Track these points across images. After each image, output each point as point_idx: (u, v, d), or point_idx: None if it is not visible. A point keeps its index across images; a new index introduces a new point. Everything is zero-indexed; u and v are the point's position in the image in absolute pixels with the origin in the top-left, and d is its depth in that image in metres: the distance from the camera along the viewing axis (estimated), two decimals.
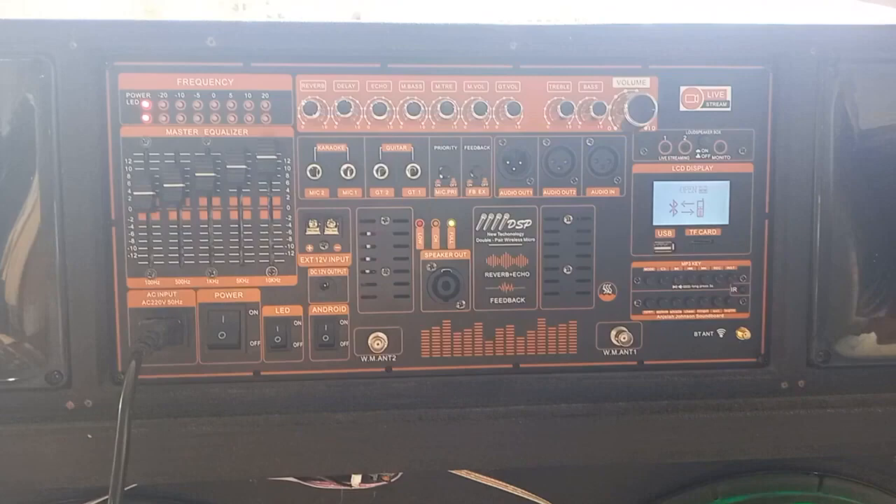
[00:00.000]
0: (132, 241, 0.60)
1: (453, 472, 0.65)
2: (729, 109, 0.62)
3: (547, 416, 0.63)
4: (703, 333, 0.64)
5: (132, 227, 0.60)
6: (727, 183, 0.63)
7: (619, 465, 0.66)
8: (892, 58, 0.61)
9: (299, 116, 0.60)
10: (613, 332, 0.63)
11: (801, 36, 0.62)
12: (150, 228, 0.60)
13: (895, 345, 0.64)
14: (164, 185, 0.59)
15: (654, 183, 0.62)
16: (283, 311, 0.62)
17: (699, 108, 0.62)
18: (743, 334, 0.64)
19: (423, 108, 0.60)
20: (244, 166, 0.60)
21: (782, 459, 0.66)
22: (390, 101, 0.60)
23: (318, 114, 0.60)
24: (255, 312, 0.61)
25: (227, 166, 0.59)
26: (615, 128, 0.62)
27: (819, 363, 0.63)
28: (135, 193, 0.59)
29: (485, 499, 0.67)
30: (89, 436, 0.57)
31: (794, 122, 0.62)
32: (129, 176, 0.60)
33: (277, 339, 0.62)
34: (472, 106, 0.60)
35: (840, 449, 0.63)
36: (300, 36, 0.60)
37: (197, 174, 0.59)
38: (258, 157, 0.60)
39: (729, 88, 0.62)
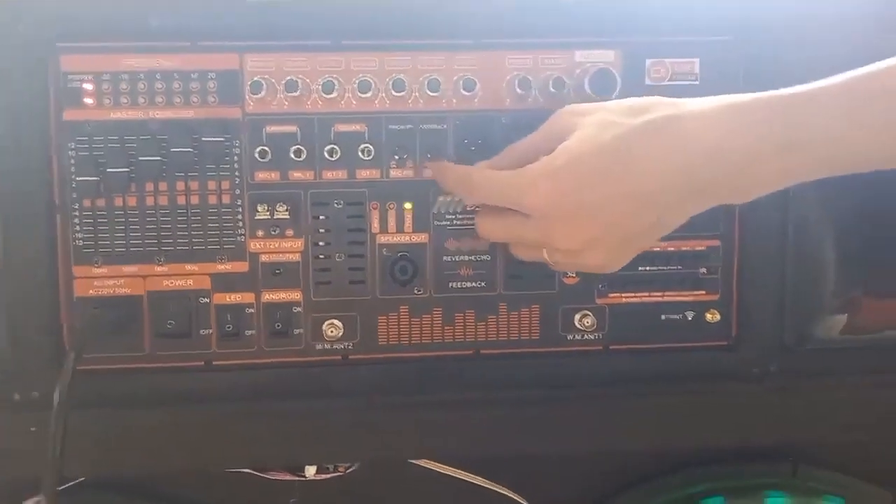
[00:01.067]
0: (77, 227, 0.58)
1: (413, 461, 0.64)
2: (697, 82, 0.60)
3: (509, 403, 0.61)
4: (671, 316, 0.62)
5: (77, 213, 0.58)
6: None
7: (584, 453, 0.64)
8: (859, 25, 0.59)
9: (247, 97, 0.58)
10: (577, 317, 0.61)
11: (766, 3, 0.59)
12: (95, 215, 0.58)
13: (870, 327, 0.61)
14: (108, 170, 0.57)
15: None
16: (234, 298, 0.60)
17: (666, 82, 0.60)
18: (713, 317, 0.62)
19: (374, 85, 0.58)
20: (190, 149, 0.58)
21: (755, 446, 0.64)
22: (342, 80, 0.58)
23: (266, 93, 0.57)
24: (205, 300, 0.60)
25: (172, 149, 0.57)
26: (578, 101, 0.59)
27: (792, 347, 0.61)
28: (78, 179, 0.57)
29: (445, 488, 0.65)
30: (32, 428, 0.56)
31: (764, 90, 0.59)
32: (72, 161, 0.58)
33: (229, 328, 0.60)
34: (426, 83, 0.58)
35: (813, 435, 0.62)
36: (247, 13, 0.57)
37: (142, 158, 0.57)
38: (204, 139, 0.58)
39: (697, 61, 0.60)
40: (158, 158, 0.57)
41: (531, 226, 0.51)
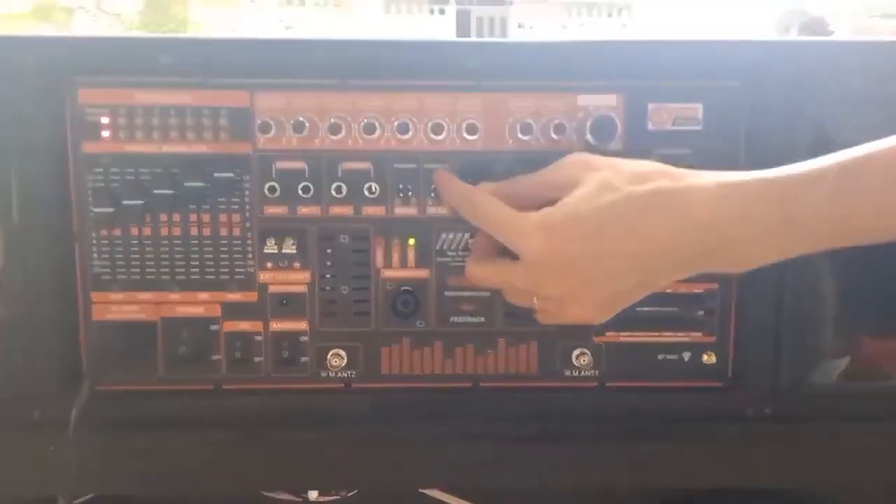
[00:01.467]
0: (95, 255, 0.61)
1: (411, 489, 0.66)
2: (700, 128, 0.60)
3: (506, 436, 0.63)
4: (668, 356, 0.63)
5: (94, 242, 0.61)
6: None
7: (578, 488, 0.66)
8: (871, 75, 0.58)
9: (257, 134, 0.60)
10: (575, 354, 0.63)
11: (776, 50, 0.59)
12: (112, 244, 0.61)
13: (867, 373, 0.62)
14: (123, 202, 0.60)
15: None
16: (243, 326, 0.62)
17: (668, 127, 0.60)
18: (709, 358, 0.62)
19: (379, 127, 0.59)
20: (202, 183, 0.60)
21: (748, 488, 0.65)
22: (349, 119, 0.59)
23: (275, 132, 0.59)
24: (216, 327, 0.62)
25: (185, 183, 0.60)
26: (579, 147, 0.60)
27: (787, 391, 0.61)
28: (95, 210, 0.60)
29: None
30: (51, 447, 0.59)
31: (768, 140, 0.59)
32: (90, 192, 0.60)
33: (238, 354, 0.62)
34: (430, 126, 0.59)
35: (805, 481, 0.62)
36: (256, 52, 0.59)
37: (155, 191, 0.60)
38: (216, 174, 0.60)
39: (700, 106, 0.60)
40: (172, 192, 0.60)
41: (522, 271, 0.53)
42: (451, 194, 0.59)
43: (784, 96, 0.59)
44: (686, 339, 0.63)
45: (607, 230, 0.50)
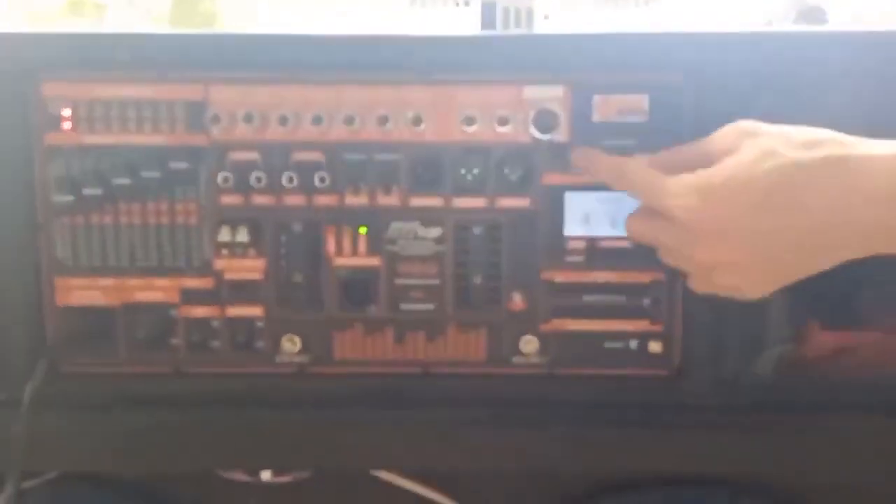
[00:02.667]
0: (58, 242, 0.63)
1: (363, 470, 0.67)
2: (646, 119, 0.61)
3: (455, 421, 0.64)
4: (614, 345, 0.64)
5: (57, 229, 0.63)
6: None
7: (526, 472, 0.67)
8: (817, 66, 0.58)
9: (211, 126, 0.61)
10: (522, 342, 0.64)
11: (721, 43, 0.59)
12: (73, 231, 0.63)
13: (812, 363, 0.62)
14: (84, 191, 0.62)
15: (566, 193, 0.62)
16: (201, 311, 0.64)
17: (613, 119, 0.61)
18: (655, 347, 0.63)
19: (327, 118, 0.61)
20: (159, 174, 0.62)
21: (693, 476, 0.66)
22: (299, 112, 0.61)
23: (228, 123, 0.61)
24: (174, 312, 0.64)
25: (143, 174, 0.62)
26: (525, 138, 0.61)
27: (731, 380, 0.62)
28: (57, 198, 0.62)
29: (394, 497, 0.69)
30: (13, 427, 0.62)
31: (713, 132, 0.60)
32: (52, 181, 0.62)
33: (196, 339, 0.64)
34: (375, 118, 0.60)
35: (750, 469, 0.63)
36: (210, 46, 0.61)
37: (114, 181, 0.62)
38: (172, 164, 0.62)
39: (646, 97, 0.61)
40: (130, 182, 0.62)
41: (674, 233, 0.51)
42: (599, 166, 0.57)
43: (729, 89, 0.59)
44: (633, 328, 0.63)
45: (768, 200, 0.46)
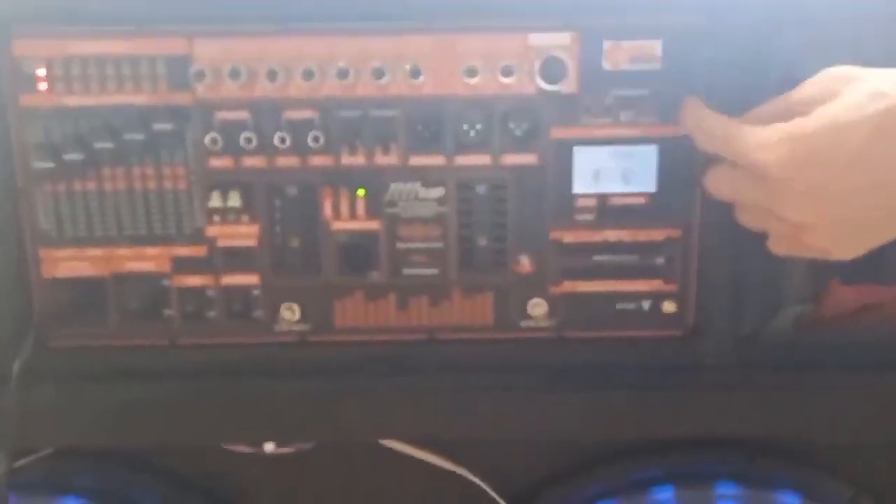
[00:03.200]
0: (40, 211, 0.60)
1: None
2: (659, 67, 0.57)
3: (462, 387, 0.62)
4: (627, 306, 0.61)
5: (39, 197, 0.60)
6: (655, 148, 0.58)
7: (537, 438, 0.65)
8: (839, 17, 0.54)
9: (196, 83, 0.58)
10: (530, 305, 0.61)
11: None
12: (56, 199, 0.60)
13: (829, 321, 0.60)
14: (64, 157, 0.58)
15: (575, 148, 0.58)
16: (194, 281, 0.61)
17: (625, 67, 0.57)
18: (669, 306, 0.61)
19: (319, 73, 0.57)
20: (143, 136, 0.58)
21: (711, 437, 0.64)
22: (290, 66, 0.57)
23: (213, 80, 0.57)
24: (166, 282, 0.61)
25: (125, 136, 0.58)
26: (531, 90, 0.57)
27: (748, 339, 0.60)
28: (36, 164, 0.59)
29: (401, 466, 0.67)
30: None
31: (731, 82, 0.56)
32: (31, 146, 0.59)
33: (190, 309, 0.61)
34: (372, 70, 0.56)
35: (767, 429, 0.61)
36: None
37: (95, 145, 0.58)
38: (155, 126, 0.58)
39: (659, 43, 0.57)
40: (112, 145, 0.58)
41: (762, 188, 0.46)
42: (688, 118, 0.52)
43: (749, 35, 0.55)
44: (646, 288, 0.61)
45: (871, 149, 0.41)
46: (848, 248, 0.47)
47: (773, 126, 0.45)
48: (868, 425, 0.61)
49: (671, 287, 0.61)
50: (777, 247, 0.50)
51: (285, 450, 0.66)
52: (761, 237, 0.56)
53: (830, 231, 0.45)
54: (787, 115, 0.46)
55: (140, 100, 0.58)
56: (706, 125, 0.51)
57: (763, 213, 0.48)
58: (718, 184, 0.51)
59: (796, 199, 0.45)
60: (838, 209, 0.44)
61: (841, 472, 0.66)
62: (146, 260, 0.61)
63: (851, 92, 0.43)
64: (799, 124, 0.44)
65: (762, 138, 0.45)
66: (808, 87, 0.47)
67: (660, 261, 0.60)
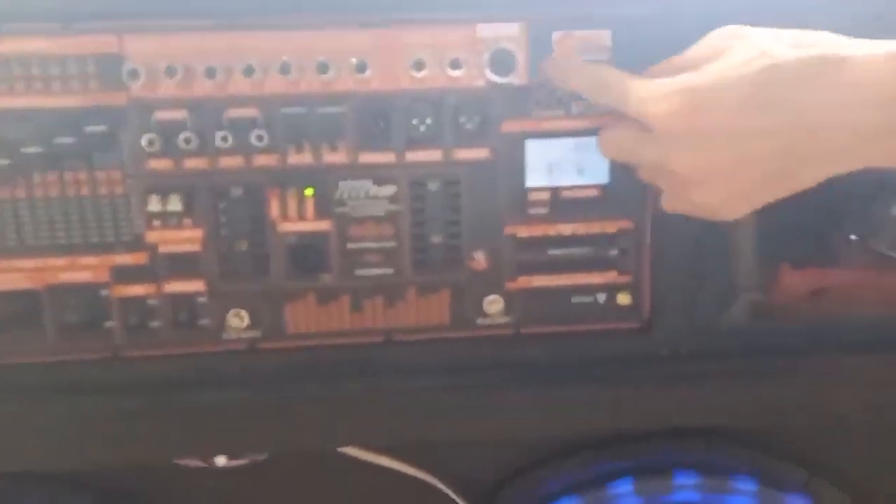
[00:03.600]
0: None
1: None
2: (608, 57, 0.56)
3: (420, 389, 0.61)
4: (582, 299, 0.61)
5: None
6: None
7: (496, 437, 0.64)
8: (784, 11, 0.55)
9: (130, 82, 0.55)
10: (486, 302, 0.60)
11: None
12: None
13: (783, 310, 0.60)
14: None
15: (527, 142, 0.57)
16: (135, 290, 0.58)
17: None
18: (624, 299, 0.61)
19: (259, 69, 0.54)
20: (75, 139, 0.55)
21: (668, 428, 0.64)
22: (229, 62, 0.55)
23: (148, 79, 0.54)
24: (105, 293, 0.58)
25: (56, 140, 0.55)
26: (481, 83, 0.56)
27: (702, 329, 0.60)
28: None
29: (360, 473, 0.66)
30: None
31: None
32: None
33: (133, 320, 0.59)
34: (316, 65, 0.55)
35: (724, 418, 0.61)
36: None
37: (23, 150, 0.55)
38: (87, 128, 0.55)
39: (608, 33, 0.56)
40: (41, 150, 0.55)
41: (651, 143, 0.48)
42: (579, 77, 0.53)
43: (700, 26, 0.55)
44: (600, 281, 0.60)
45: (755, 98, 0.43)
46: (734, 207, 0.49)
47: (662, 80, 0.47)
48: (821, 410, 0.62)
49: (626, 279, 0.60)
50: (668, 203, 0.52)
51: (238, 462, 0.63)
52: (715, 227, 0.56)
53: (716, 187, 0.47)
54: (679, 73, 0.48)
55: (70, 101, 0.55)
56: (601, 75, 0.52)
57: (656, 169, 0.50)
58: (611, 145, 0.53)
59: (682, 151, 0.46)
60: (722, 156, 0.46)
61: (796, 457, 0.67)
62: (83, 270, 0.58)
63: (738, 49, 0.46)
64: (687, 78, 0.46)
65: (652, 91, 0.47)
66: (700, 47, 0.49)
67: (613, 253, 0.60)
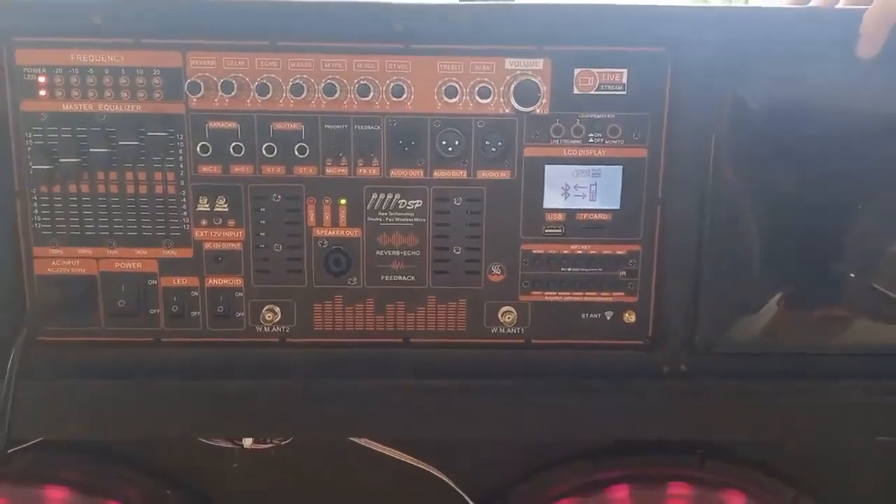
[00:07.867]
0: (35, 212, 0.63)
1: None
2: (624, 93, 0.61)
3: (434, 390, 0.65)
4: (591, 315, 0.65)
5: (35, 198, 0.62)
6: (620, 168, 0.62)
7: (503, 439, 0.68)
8: (792, 42, 0.59)
9: (189, 94, 0.61)
10: (500, 312, 0.65)
11: (700, 17, 0.60)
12: (51, 200, 0.62)
13: (779, 333, 0.64)
14: (61, 160, 0.61)
15: (546, 166, 0.62)
16: (180, 281, 0.64)
17: (593, 92, 0.61)
18: (630, 317, 0.65)
19: (306, 88, 0.60)
20: (137, 142, 0.61)
21: (666, 441, 0.68)
22: (279, 80, 0.60)
23: (207, 92, 0.60)
24: (153, 282, 0.64)
25: (121, 142, 0.61)
26: (506, 110, 0.61)
27: (702, 349, 0.64)
28: (34, 167, 0.61)
29: (373, 463, 0.70)
30: None
31: (690, 106, 0.60)
32: (29, 150, 0.61)
33: (175, 308, 0.64)
34: (357, 87, 0.60)
35: (718, 434, 0.65)
36: (188, 12, 0.60)
37: (92, 150, 0.61)
38: (150, 133, 0.61)
39: (625, 71, 0.61)
40: (107, 150, 0.61)
41: None
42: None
43: (706, 62, 0.60)
44: (609, 299, 0.65)
45: None
46: None
47: None
48: (811, 431, 0.65)
49: (632, 299, 0.65)
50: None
51: (263, 445, 0.68)
52: (718, 251, 0.60)
53: None
54: None
55: (135, 108, 0.61)
56: None
57: None
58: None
59: None
60: None
61: (784, 476, 0.70)
62: (135, 260, 0.64)
63: None
64: None
65: None
66: None
67: (622, 274, 0.64)
